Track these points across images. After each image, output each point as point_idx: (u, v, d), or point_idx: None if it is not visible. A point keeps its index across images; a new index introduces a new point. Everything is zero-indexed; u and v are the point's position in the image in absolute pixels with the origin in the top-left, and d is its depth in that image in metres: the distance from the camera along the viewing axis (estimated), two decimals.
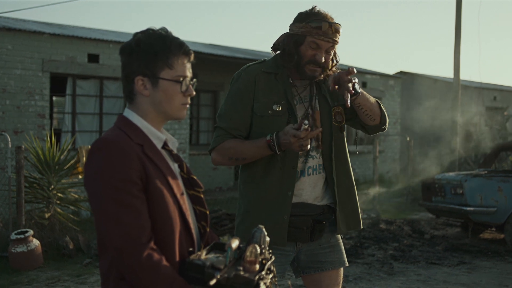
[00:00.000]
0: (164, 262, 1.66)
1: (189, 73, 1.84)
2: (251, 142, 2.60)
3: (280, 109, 2.64)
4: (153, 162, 1.75)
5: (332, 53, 2.66)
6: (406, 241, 7.96)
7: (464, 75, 31.68)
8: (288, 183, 2.63)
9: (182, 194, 1.82)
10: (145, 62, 1.76)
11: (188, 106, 1.86)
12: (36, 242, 6.35)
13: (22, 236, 6.24)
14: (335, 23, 2.58)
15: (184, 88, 1.81)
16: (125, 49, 1.80)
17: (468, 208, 7.84)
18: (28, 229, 6.43)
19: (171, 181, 1.78)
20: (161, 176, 1.76)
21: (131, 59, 1.78)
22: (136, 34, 1.81)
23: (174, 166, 1.87)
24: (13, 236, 6.26)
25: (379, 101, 2.80)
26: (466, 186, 7.96)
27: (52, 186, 7.39)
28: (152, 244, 1.67)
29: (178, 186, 1.81)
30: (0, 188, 7.74)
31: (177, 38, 1.82)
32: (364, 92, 2.66)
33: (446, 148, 16.16)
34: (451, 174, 8.86)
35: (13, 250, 6.21)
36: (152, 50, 1.76)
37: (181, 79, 1.80)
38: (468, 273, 6.46)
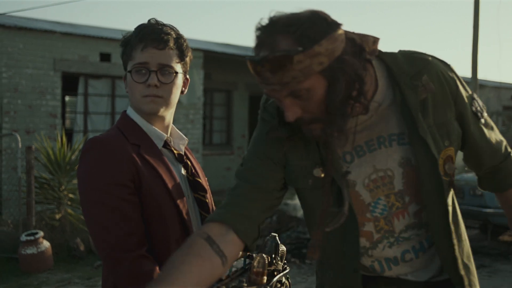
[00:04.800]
0: (157, 271, 1.52)
1: (154, 60, 1.61)
2: None
3: (323, 175, 1.46)
4: (149, 164, 1.61)
5: (311, 93, 1.31)
6: None
7: (480, 74, 31.34)
8: None
9: (183, 197, 1.66)
10: (124, 60, 1.69)
11: (157, 98, 1.62)
12: (46, 243, 6.27)
13: (32, 237, 6.17)
14: (265, 57, 1.26)
15: (137, 77, 1.62)
16: None
17: (488, 210, 7.64)
18: (38, 231, 6.36)
19: (169, 184, 1.63)
20: (158, 178, 1.61)
21: None
22: None
23: (178, 167, 1.72)
24: (23, 238, 6.18)
25: None
26: None
27: (63, 187, 7.31)
28: (143, 251, 1.53)
29: (178, 188, 1.65)
30: (10, 189, 7.68)
31: (145, 27, 1.65)
32: None
33: None
34: (470, 175, 8.62)
35: (23, 252, 6.13)
36: (126, 45, 1.67)
37: (138, 68, 1.62)
38: (489, 277, 6.27)
